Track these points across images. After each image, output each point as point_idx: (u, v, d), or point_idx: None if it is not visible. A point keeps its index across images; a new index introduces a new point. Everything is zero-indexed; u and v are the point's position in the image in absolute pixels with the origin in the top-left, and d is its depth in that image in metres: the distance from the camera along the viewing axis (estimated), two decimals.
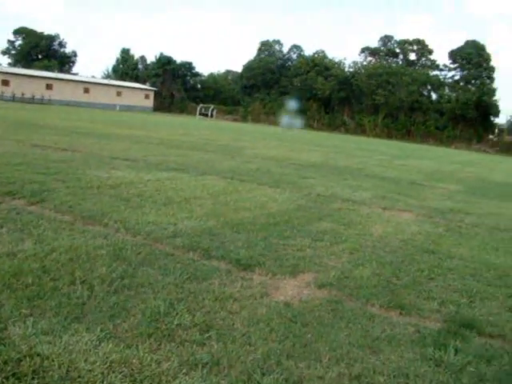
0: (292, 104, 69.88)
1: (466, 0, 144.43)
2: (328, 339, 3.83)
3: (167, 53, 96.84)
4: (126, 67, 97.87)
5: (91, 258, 4.92)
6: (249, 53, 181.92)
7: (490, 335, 4.33)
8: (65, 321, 3.59)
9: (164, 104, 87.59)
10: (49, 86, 71.55)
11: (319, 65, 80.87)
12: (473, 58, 73.75)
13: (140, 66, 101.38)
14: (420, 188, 14.11)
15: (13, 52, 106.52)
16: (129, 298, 4.09)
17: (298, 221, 7.59)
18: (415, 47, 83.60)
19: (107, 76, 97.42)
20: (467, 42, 75.96)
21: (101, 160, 12.09)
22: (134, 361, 3.20)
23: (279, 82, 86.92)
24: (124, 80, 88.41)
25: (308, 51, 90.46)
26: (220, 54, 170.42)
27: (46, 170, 9.70)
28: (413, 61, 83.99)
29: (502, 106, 78.07)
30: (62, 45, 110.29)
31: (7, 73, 70.12)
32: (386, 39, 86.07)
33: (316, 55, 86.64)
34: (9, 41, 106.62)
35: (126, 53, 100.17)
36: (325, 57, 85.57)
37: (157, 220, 6.60)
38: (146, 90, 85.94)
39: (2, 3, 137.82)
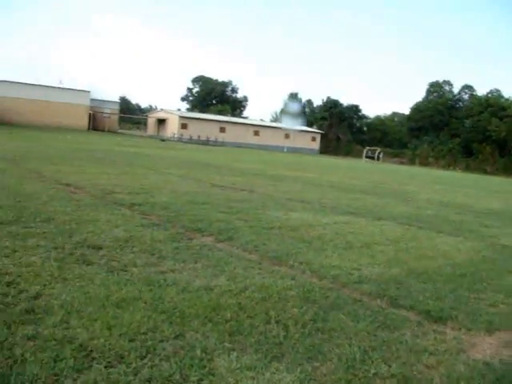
0: None
1: None
2: None
3: (334, 96, 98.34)
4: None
5: (282, 298, 5.06)
6: (416, 94, 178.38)
7: None
8: (265, 358, 3.70)
9: (330, 146, 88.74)
10: (222, 129, 76.20)
11: (494, 105, 76.83)
12: None
13: (307, 110, 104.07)
14: None
15: (190, 98, 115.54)
16: (323, 342, 4.12)
17: (485, 273, 7.14)
18: None
19: (275, 119, 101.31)
20: None
21: (277, 201, 12.48)
22: None
23: (449, 123, 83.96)
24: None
25: (481, 91, 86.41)
26: (386, 96, 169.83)
27: (228, 209, 10.22)
28: None
29: None
30: (234, 90, 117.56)
31: (186, 117, 76.06)
32: None
33: (490, 95, 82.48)
34: (188, 88, 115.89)
35: (293, 97, 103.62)
36: (500, 96, 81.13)
37: (340, 264, 6.61)
38: (312, 132, 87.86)
39: (181, 58, 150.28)
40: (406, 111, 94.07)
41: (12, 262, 5.33)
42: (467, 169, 73.49)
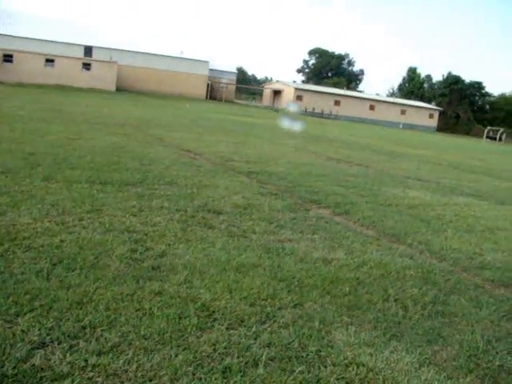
0: None
1: None
2: None
3: (455, 72, 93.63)
4: (412, 86, 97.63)
5: (401, 277, 4.95)
6: None
7: None
8: (383, 336, 3.66)
9: (448, 124, 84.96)
10: (337, 103, 75.22)
11: None
12: None
13: (426, 85, 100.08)
14: None
15: (306, 70, 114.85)
16: (443, 326, 3.99)
17: None
18: None
19: (392, 94, 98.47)
20: None
21: (393, 178, 12.19)
22: None
23: None
24: (409, 99, 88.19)
25: None
26: None
27: (344, 182, 10.14)
28: None
29: None
30: (350, 63, 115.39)
31: (301, 89, 75.74)
32: None
33: None
34: (304, 60, 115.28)
35: (412, 71, 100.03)
36: None
37: (461, 247, 6.35)
38: (430, 109, 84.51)
39: (298, 29, 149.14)
40: None
41: (139, 221, 5.63)
42: None
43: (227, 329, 3.46)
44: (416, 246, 6.16)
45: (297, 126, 30.89)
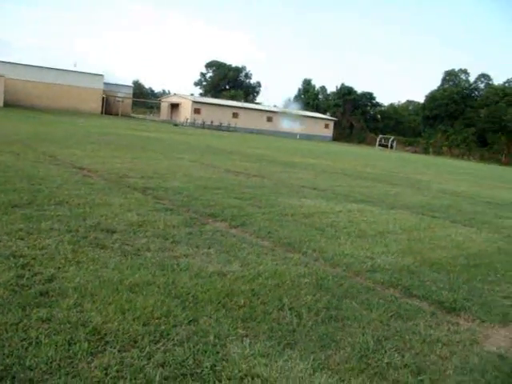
0: None
1: None
2: None
3: (348, 83, 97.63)
4: (307, 97, 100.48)
5: (295, 285, 5.05)
6: (431, 83, 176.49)
7: None
8: (278, 346, 3.70)
9: (343, 134, 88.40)
10: (235, 115, 76.00)
11: (510, 94, 75.80)
12: None
13: (320, 96, 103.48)
14: None
15: (204, 83, 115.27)
16: (336, 330, 4.11)
17: (500, 265, 7.07)
18: None
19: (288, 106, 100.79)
20: None
21: (290, 188, 12.45)
22: None
23: (464, 113, 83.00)
24: (305, 110, 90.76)
25: (497, 80, 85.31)
26: (401, 85, 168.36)
27: (241, 195, 10.22)
28: None
29: None
30: (247, 76, 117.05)
31: (199, 102, 75.86)
32: None
33: (507, 84, 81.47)
34: (201, 73, 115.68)
35: (307, 83, 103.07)
36: None
37: (353, 252, 6.59)
38: (326, 119, 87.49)
39: (195, 42, 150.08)
40: (421, 99, 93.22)
41: (26, 245, 5.35)
42: (481, 159, 72.88)
43: (119, 351, 3.36)
44: (310, 253, 6.31)
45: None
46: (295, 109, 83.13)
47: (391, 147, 73.77)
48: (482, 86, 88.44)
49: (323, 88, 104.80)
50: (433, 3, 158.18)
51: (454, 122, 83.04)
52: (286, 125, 77.00)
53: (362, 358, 3.68)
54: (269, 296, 4.65)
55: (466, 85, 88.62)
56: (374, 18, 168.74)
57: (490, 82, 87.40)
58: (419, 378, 3.54)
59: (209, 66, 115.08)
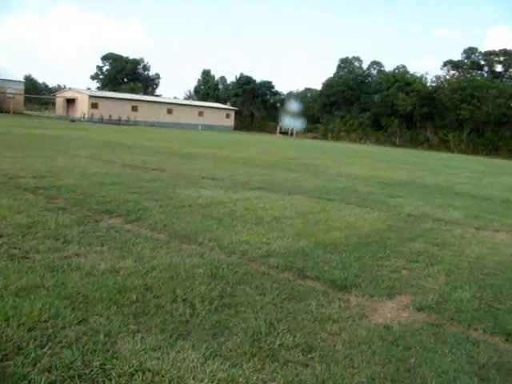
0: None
1: None
2: (432, 364, 3.72)
3: (247, 73, 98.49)
4: (207, 88, 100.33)
5: (190, 276, 5.04)
6: (328, 70, 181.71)
7: None
8: (170, 338, 3.68)
9: (244, 123, 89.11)
10: (134, 108, 74.57)
11: (400, 80, 79.62)
12: None
13: (220, 87, 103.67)
14: None
15: (101, 77, 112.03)
16: (230, 317, 4.15)
17: (390, 241, 7.45)
18: (502, 58, 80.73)
19: (189, 97, 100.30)
20: None
21: (189, 179, 12.40)
22: (241, 379, 3.23)
23: (359, 98, 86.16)
24: (205, 100, 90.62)
25: (388, 67, 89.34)
26: (299, 73, 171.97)
27: (138, 189, 10.05)
28: (499, 73, 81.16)
29: None
30: (146, 68, 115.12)
31: (96, 96, 73.79)
32: (470, 51, 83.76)
33: (397, 71, 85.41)
34: (97, 66, 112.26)
35: (206, 74, 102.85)
36: (406, 72, 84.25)
37: (249, 239, 6.68)
38: (226, 109, 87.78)
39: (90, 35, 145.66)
40: (319, 87, 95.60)
41: None
42: (377, 142, 76.06)
43: (1, 361, 3.20)
44: (206, 244, 6.33)
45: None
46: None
47: (291, 134, 75.28)
48: (374, 72, 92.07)
49: (223, 78, 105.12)
50: None
51: (351, 108, 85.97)
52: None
53: (254, 342, 3.74)
54: (162, 289, 4.62)
55: (360, 72, 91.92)
56: (272, 7, 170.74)
57: (382, 69, 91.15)
58: (309, 355, 3.65)
59: (105, 58, 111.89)
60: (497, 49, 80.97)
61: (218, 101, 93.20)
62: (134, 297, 4.35)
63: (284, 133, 75.57)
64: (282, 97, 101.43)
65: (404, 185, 16.13)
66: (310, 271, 5.57)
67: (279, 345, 3.75)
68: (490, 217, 10.94)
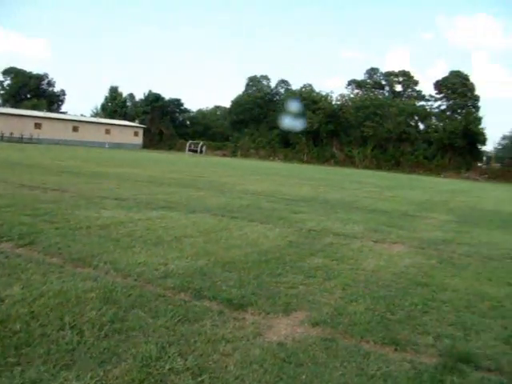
0: None
1: (446, 32, 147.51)
2: (323, 379, 3.77)
3: (156, 90, 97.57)
4: (115, 105, 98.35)
5: (81, 301, 4.85)
6: (237, 88, 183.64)
7: (487, 369, 4.28)
8: (53, 369, 3.51)
9: (153, 141, 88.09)
10: (37, 125, 71.80)
11: (307, 99, 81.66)
12: (457, 87, 75.09)
13: (129, 104, 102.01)
14: (411, 219, 14.13)
15: (1, 92, 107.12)
16: (119, 343, 4.02)
17: (289, 257, 7.56)
18: (401, 79, 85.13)
19: (96, 114, 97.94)
20: (451, 73, 77.47)
21: (90, 200, 12.02)
22: None
23: (267, 116, 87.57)
24: (113, 118, 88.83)
25: (295, 85, 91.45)
26: (208, 90, 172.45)
27: (34, 211, 9.62)
28: (399, 92, 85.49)
29: (488, 133, 79.18)
30: (50, 84, 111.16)
31: None
32: (372, 72, 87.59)
33: (303, 89, 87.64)
34: None
35: (114, 91, 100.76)
36: (312, 90, 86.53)
37: (147, 260, 6.55)
38: (135, 127, 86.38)
39: None
40: (228, 105, 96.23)
41: None
42: (286, 158, 77.53)
43: None
44: (102, 266, 6.12)
45: None
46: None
47: (201, 152, 75.17)
48: (282, 90, 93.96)
49: (131, 95, 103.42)
50: (230, 15, 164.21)
51: (259, 125, 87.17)
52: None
53: (143, 368, 3.64)
54: (50, 317, 4.40)
55: (268, 90, 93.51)
56: (178, 25, 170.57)
57: (289, 87, 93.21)
58: (199, 378, 3.60)
59: (6, 73, 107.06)
60: (396, 70, 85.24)
61: (126, 118, 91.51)
62: (18, 327, 4.12)
63: (193, 151, 75.28)
64: (192, 114, 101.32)
65: (308, 200, 16.50)
66: (207, 291, 5.52)
67: (169, 369, 3.67)
68: (388, 229, 11.40)
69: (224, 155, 79.18)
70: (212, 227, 9.51)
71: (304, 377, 3.79)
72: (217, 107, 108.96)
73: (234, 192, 17.15)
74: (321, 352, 4.26)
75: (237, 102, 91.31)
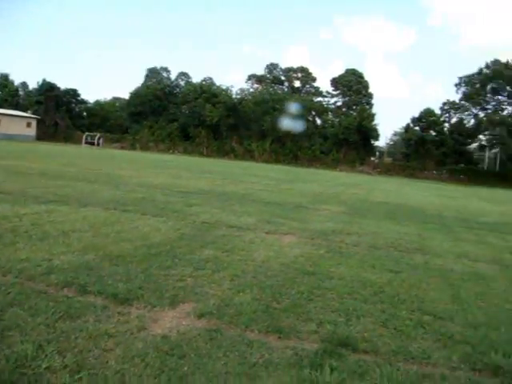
0: None
1: (343, 31, 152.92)
2: (205, 370, 3.82)
3: (51, 79, 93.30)
4: (5, 94, 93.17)
5: None
6: (136, 80, 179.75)
7: (364, 351, 4.51)
8: None
9: (48, 133, 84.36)
10: None
11: (207, 92, 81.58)
12: (353, 85, 78.15)
13: (21, 93, 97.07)
14: (304, 211, 14.54)
15: None
16: None
17: (180, 250, 7.56)
18: (299, 75, 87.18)
19: None
20: (347, 71, 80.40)
21: None
22: None
23: (167, 108, 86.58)
24: (2, 107, 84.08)
25: (196, 78, 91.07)
26: (107, 81, 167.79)
27: None
28: (298, 88, 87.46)
29: (380, 130, 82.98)
30: None
31: None
32: (272, 67, 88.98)
33: (204, 82, 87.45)
34: None
35: (4, 78, 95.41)
36: (212, 84, 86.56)
37: (30, 256, 6.29)
38: (27, 117, 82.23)
39: None
40: (127, 96, 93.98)
41: None
42: (186, 152, 77.02)
43: None
44: None
45: None
46: None
47: (98, 144, 72.97)
48: (182, 83, 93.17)
49: (24, 84, 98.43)
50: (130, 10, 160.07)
51: (159, 118, 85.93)
52: None
53: (16, 369, 3.51)
54: None
55: (168, 82, 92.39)
56: (78, 15, 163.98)
57: (190, 80, 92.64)
58: (78, 375, 3.53)
59: None
60: (295, 66, 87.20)
61: (18, 108, 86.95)
62: None
63: (90, 143, 72.89)
64: (90, 105, 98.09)
65: (204, 193, 16.54)
66: (92, 286, 5.41)
67: (46, 368, 3.58)
68: (281, 221, 11.67)
69: (122, 148, 77.39)
70: (103, 221, 9.29)
71: (186, 368, 3.82)
72: (116, 99, 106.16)
73: (129, 185, 16.81)
74: (205, 343, 4.31)
75: (136, 94, 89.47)
